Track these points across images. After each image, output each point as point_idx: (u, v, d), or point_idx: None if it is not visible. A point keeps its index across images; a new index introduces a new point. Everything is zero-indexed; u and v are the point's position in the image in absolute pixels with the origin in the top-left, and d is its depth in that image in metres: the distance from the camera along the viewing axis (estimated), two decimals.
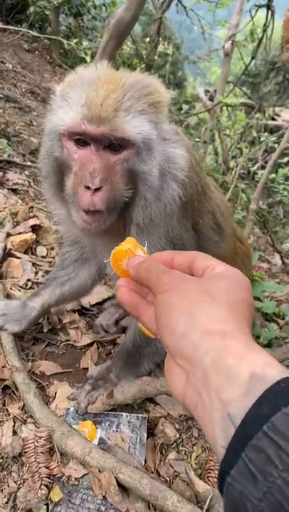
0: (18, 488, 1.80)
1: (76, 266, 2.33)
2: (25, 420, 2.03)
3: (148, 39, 11.90)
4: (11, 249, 3.18)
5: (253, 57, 10.80)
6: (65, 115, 1.55)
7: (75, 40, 10.71)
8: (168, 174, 1.68)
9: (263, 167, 8.38)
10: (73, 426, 1.99)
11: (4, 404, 2.09)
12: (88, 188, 1.49)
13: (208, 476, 1.89)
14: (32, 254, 3.31)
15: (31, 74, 9.14)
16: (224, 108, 11.79)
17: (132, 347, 2.09)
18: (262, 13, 9.12)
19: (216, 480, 1.88)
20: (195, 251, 0.99)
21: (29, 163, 5.18)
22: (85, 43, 11.02)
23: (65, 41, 10.23)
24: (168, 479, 1.90)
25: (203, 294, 0.81)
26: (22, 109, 6.99)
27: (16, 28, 9.95)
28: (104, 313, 2.76)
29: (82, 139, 1.55)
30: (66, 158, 1.62)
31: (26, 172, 4.91)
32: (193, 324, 0.76)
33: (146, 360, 2.12)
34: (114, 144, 1.54)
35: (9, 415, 2.05)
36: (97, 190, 1.50)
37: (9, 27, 9.84)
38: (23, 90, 7.94)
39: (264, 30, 8.59)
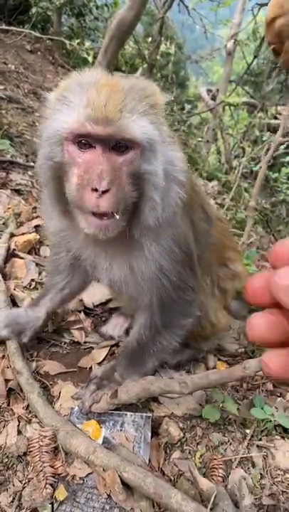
0: (23, 488, 1.80)
1: (72, 269, 2.30)
2: (30, 420, 2.04)
3: (150, 39, 11.91)
4: (14, 249, 3.19)
5: (255, 56, 10.78)
6: (67, 117, 1.52)
7: (77, 41, 10.70)
8: (170, 177, 1.68)
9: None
10: (78, 425, 2.00)
11: (9, 404, 2.10)
12: (96, 190, 1.46)
13: (212, 475, 1.90)
14: (35, 254, 3.32)
15: (34, 75, 9.16)
16: (226, 107, 11.79)
17: (136, 345, 2.09)
18: (264, 11, 9.10)
19: (220, 479, 1.88)
20: None
21: (32, 164, 5.18)
22: (87, 44, 11.01)
23: (67, 42, 10.23)
24: (172, 478, 1.90)
25: None
26: (25, 110, 7.00)
27: (19, 29, 9.96)
28: (112, 324, 2.73)
29: (85, 142, 1.53)
30: (68, 162, 1.58)
31: (29, 172, 4.91)
32: None
33: (152, 358, 2.13)
34: (120, 145, 1.52)
35: (14, 415, 2.05)
36: (104, 192, 1.47)
37: (12, 28, 9.86)
38: (26, 91, 7.95)
39: None
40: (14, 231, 3.46)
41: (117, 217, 1.54)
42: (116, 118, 1.48)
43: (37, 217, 3.72)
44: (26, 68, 9.25)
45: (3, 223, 3.65)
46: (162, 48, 12.10)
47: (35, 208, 3.87)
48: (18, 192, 4.38)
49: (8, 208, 3.88)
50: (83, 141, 1.53)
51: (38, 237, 3.43)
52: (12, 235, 3.39)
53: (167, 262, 1.84)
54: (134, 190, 1.59)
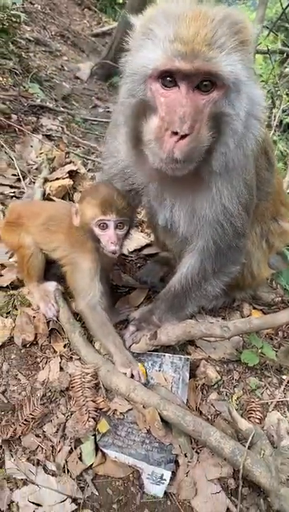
0: (67, 420, 1.88)
1: None
2: (71, 357, 2.10)
3: None
4: (49, 194, 3.19)
5: None
6: (153, 53, 1.44)
7: None
8: (252, 116, 1.60)
9: None
10: None
11: (50, 342, 2.16)
12: (175, 133, 1.42)
13: (249, 417, 1.94)
14: (69, 200, 3.31)
15: (60, 16, 8.84)
16: (258, 55, 11.25)
17: (180, 289, 2.10)
18: None
19: (257, 420, 1.93)
20: None
21: (62, 109, 5.09)
22: None
23: None
24: (209, 418, 1.95)
25: None
26: (52, 53, 6.81)
27: None
28: (148, 269, 2.74)
29: (170, 79, 1.45)
30: (151, 101, 1.51)
31: (59, 118, 4.83)
32: None
33: (192, 303, 2.14)
34: (205, 84, 1.43)
35: (55, 353, 2.12)
36: (183, 136, 1.42)
37: None
38: (53, 33, 7.71)
39: None
40: (48, 176, 3.44)
41: (186, 164, 1.51)
42: (205, 52, 1.37)
43: (70, 162, 3.68)
44: (52, 9, 8.91)
45: (36, 168, 3.63)
46: None
47: (68, 153, 3.82)
48: (48, 137, 4.33)
49: (41, 153, 3.85)
50: (168, 78, 1.45)
51: (72, 182, 3.40)
52: (46, 180, 3.38)
53: (234, 205, 1.80)
54: (213, 132, 1.51)
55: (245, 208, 1.87)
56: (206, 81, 1.43)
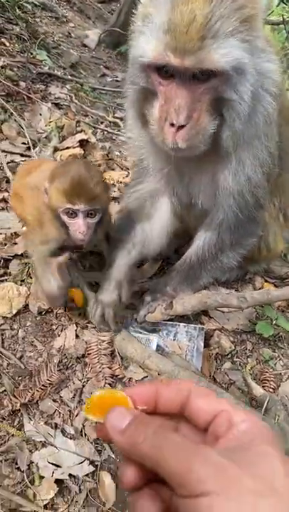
0: (83, 386, 1.91)
1: None
2: (86, 326, 2.11)
3: None
4: None
5: None
6: (148, 45, 1.42)
7: None
8: (263, 90, 1.58)
9: None
10: (132, 333, 2.07)
11: (65, 310, 2.17)
12: (173, 125, 1.45)
13: (263, 387, 1.97)
14: None
15: None
16: (268, 26, 10.99)
17: (196, 261, 2.10)
18: None
19: (271, 390, 1.96)
20: (189, 383, 0.74)
21: (70, 77, 4.99)
22: None
23: None
24: (223, 386, 1.98)
25: (265, 492, 0.54)
26: (59, 19, 6.62)
27: None
28: None
29: (167, 70, 1.44)
30: (152, 88, 1.54)
31: (68, 86, 4.74)
32: None
33: (208, 274, 2.14)
34: (202, 73, 1.40)
35: (71, 320, 2.13)
36: (181, 127, 1.45)
37: None
38: None
39: None
40: (58, 145, 3.40)
41: (192, 150, 1.55)
42: (195, 48, 1.33)
43: (81, 131, 3.63)
44: None
45: (46, 137, 3.58)
46: None
47: (78, 121, 3.77)
48: (57, 106, 4.26)
49: (50, 122, 3.79)
50: (164, 69, 1.45)
51: (83, 152, 3.36)
52: (56, 149, 3.34)
53: (258, 175, 1.79)
54: (216, 115, 1.52)
55: (268, 177, 1.85)
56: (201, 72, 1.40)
